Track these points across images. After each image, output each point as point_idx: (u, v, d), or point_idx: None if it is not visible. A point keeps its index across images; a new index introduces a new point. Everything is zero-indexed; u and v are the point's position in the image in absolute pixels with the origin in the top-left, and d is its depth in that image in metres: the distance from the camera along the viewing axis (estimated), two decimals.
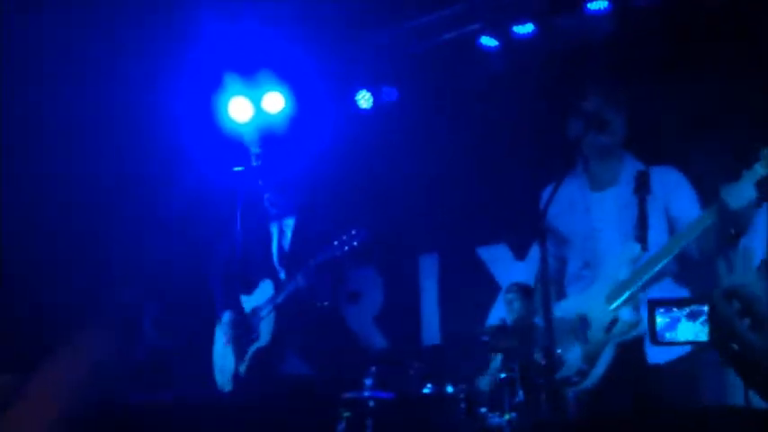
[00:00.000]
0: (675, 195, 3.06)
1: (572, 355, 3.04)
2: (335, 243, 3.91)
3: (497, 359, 4.79)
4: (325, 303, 4.18)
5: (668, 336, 2.74)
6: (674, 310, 2.71)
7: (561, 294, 3.23)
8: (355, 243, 3.88)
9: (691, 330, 2.71)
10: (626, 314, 2.97)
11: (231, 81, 5.14)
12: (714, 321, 1.59)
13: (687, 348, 2.90)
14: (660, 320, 2.70)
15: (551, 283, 3.14)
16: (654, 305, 2.69)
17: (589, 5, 4.54)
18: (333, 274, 4.18)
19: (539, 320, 4.76)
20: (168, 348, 4.98)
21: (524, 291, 4.92)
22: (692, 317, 2.71)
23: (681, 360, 2.93)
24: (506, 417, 4.13)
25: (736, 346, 1.46)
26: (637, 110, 3.16)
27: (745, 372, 1.47)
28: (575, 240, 3.18)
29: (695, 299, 2.67)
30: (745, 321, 1.47)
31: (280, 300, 4.11)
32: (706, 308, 2.68)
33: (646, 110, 3.26)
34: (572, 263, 3.21)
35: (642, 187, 3.03)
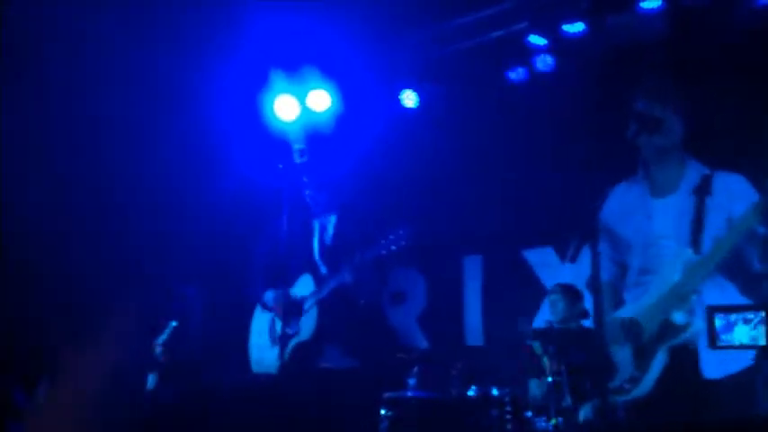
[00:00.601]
0: (740, 204, 2.94)
1: (624, 360, 2.98)
2: (383, 241, 3.88)
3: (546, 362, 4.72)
4: (369, 301, 4.16)
5: (725, 338, 2.71)
6: (732, 314, 2.68)
7: (619, 301, 3.16)
8: (403, 243, 3.85)
9: (746, 334, 2.67)
10: (677, 317, 2.91)
11: (277, 79, 5.15)
12: None
13: (744, 363, 2.83)
14: (718, 324, 2.68)
15: (606, 288, 3.09)
16: (712, 311, 2.68)
17: (642, 4, 4.44)
18: (377, 273, 4.16)
19: (587, 323, 4.72)
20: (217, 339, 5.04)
21: (569, 291, 4.84)
22: (748, 321, 2.66)
23: (738, 375, 2.85)
24: (553, 422, 4.06)
25: None
26: (696, 111, 3.07)
27: None
28: (635, 247, 3.12)
29: (752, 306, 2.61)
30: None
31: (323, 294, 4.10)
32: (762, 314, 2.63)
33: (704, 111, 3.16)
34: (632, 269, 3.15)
35: (702, 190, 2.96)
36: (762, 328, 2.65)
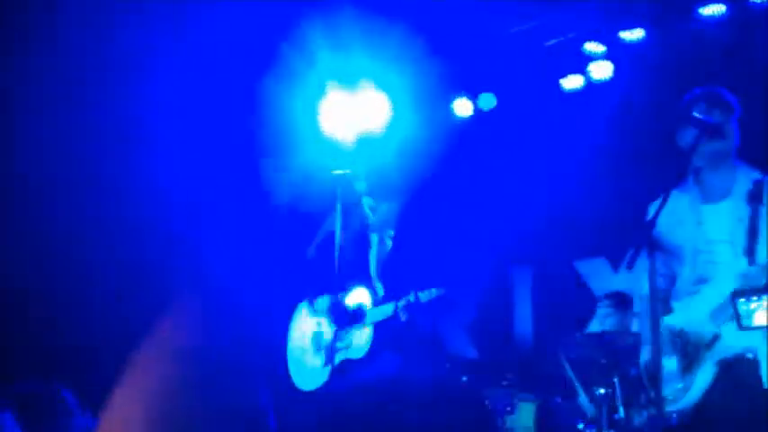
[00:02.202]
0: None
1: (671, 370, 2.95)
2: (435, 287, 3.97)
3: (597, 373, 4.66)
4: (422, 331, 4.23)
5: (746, 322, 2.71)
6: (754, 298, 2.70)
7: (668, 310, 3.13)
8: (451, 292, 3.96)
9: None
10: (729, 331, 2.85)
11: (333, 88, 5.24)
12: None
13: None
14: (742, 309, 2.69)
15: (658, 298, 3.06)
16: (735, 295, 2.68)
17: (702, 10, 4.40)
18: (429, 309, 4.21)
19: (639, 333, 4.65)
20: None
21: (619, 301, 4.79)
22: None
23: None
24: None
25: None
26: (749, 118, 3.05)
27: None
28: (686, 255, 3.09)
29: None
30: None
31: (378, 319, 4.16)
32: None
33: (758, 118, 3.13)
34: (683, 278, 3.12)
35: (755, 196, 2.92)
36: None
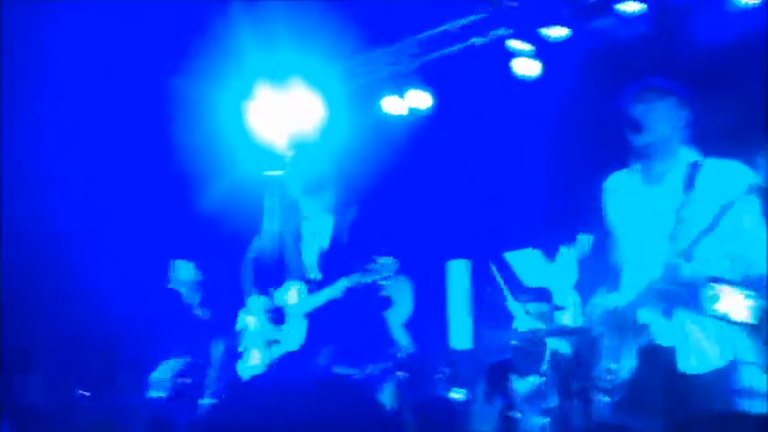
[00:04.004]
0: (724, 191, 2.91)
1: (606, 352, 3.02)
2: (371, 270, 3.96)
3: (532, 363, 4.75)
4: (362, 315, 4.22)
5: (711, 310, 2.77)
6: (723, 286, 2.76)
7: (610, 293, 3.19)
8: (392, 274, 3.96)
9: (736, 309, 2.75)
10: (650, 317, 2.94)
11: (263, 88, 5.19)
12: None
13: (724, 361, 2.86)
14: (707, 294, 2.75)
15: (604, 280, 3.14)
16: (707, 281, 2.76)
17: (618, 6, 4.51)
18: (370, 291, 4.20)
19: (567, 320, 4.77)
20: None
21: (540, 295, 4.90)
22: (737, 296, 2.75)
23: (717, 372, 2.87)
24: (540, 421, 4.10)
25: None
26: (681, 108, 3.11)
27: None
28: (623, 238, 3.15)
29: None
30: None
31: (313, 307, 4.14)
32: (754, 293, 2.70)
33: (702, 106, 3.19)
34: (620, 261, 3.17)
35: (688, 183, 2.99)
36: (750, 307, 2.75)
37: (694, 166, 3.00)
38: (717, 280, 2.84)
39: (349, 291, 4.04)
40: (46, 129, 4.66)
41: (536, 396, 4.21)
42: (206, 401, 4.72)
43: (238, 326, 4.41)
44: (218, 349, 5.06)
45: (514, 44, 5.10)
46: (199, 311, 5.23)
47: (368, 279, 3.99)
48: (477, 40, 5.27)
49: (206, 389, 4.93)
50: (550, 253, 5.39)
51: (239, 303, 4.46)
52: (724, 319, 2.83)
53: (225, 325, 4.69)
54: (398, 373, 4.47)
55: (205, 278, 5.25)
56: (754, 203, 2.90)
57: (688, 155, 3.07)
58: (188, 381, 4.92)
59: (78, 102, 4.64)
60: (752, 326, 2.85)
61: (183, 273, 5.19)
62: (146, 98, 4.77)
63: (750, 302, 2.85)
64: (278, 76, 5.27)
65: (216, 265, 5.10)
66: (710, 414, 2.72)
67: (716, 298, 2.86)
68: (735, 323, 2.85)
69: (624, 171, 3.18)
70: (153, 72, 4.81)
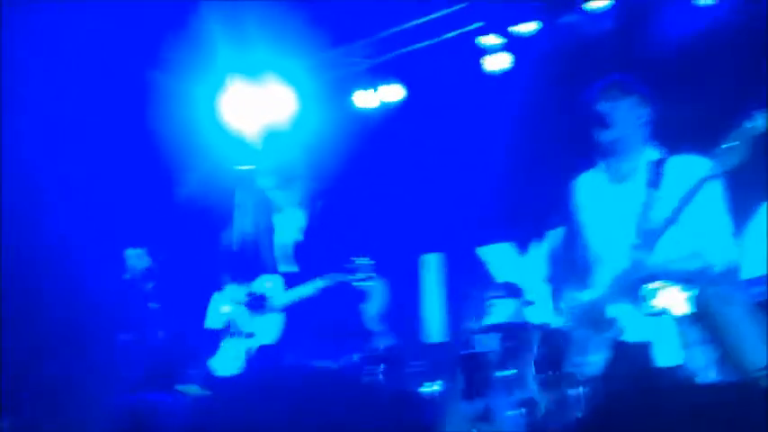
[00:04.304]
0: (686, 185, 2.97)
1: (579, 346, 3.06)
2: (347, 271, 3.94)
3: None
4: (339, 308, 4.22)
5: (647, 307, 2.85)
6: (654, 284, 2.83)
7: (582, 288, 3.23)
8: (371, 276, 3.95)
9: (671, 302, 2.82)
10: (611, 311, 2.99)
11: (236, 81, 5.15)
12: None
13: (695, 355, 2.91)
14: (644, 293, 2.83)
15: (569, 277, 3.18)
16: (639, 280, 2.82)
17: (585, 5, 4.57)
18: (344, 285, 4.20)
19: (535, 314, 4.82)
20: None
21: (507, 290, 4.94)
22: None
23: (684, 366, 2.93)
24: (513, 413, 4.14)
25: None
26: (646, 103, 3.16)
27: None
28: (593, 234, 3.19)
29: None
30: None
31: (287, 303, 4.13)
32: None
33: (659, 103, 3.24)
34: (591, 257, 3.22)
35: (652, 180, 3.04)
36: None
37: (657, 164, 3.05)
38: (652, 277, 2.92)
39: (324, 289, 4.04)
40: (25, 122, 4.58)
41: (510, 388, 4.26)
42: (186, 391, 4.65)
43: (212, 319, 4.38)
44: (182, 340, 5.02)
45: (485, 39, 5.12)
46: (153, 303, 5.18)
47: (343, 279, 3.99)
48: (448, 35, 5.29)
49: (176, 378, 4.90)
50: (522, 247, 5.44)
51: (206, 295, 4.43)
52: (663, 314, 2.90)
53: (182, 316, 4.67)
54: (376, 366, 4.49)
55: (166, 268, 5.20)
56: (713, 193, 2.96)
57: (650, 153, 3.13)
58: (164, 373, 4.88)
59: (52, 95, 4.58)
60: (694, 316, 2.92)
61: (137, 261, 5.14)
62: (120, 91, 4.72)
63: (685, 294, 2.92)
64: (250, 70, 5.24)
65: (182, 256, 5.07)
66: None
67: (653, 294, 2.93)
68: (676, 317, 2.92)
69: (591, 171, 3.24)
70: (127, 66, 4.76)
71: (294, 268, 4.25)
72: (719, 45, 4.50)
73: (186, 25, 4.88)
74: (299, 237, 4.29)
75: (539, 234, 5.18)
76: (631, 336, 2.98)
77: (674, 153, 3.12)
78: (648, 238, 2.96)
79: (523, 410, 4.11)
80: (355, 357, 4.41)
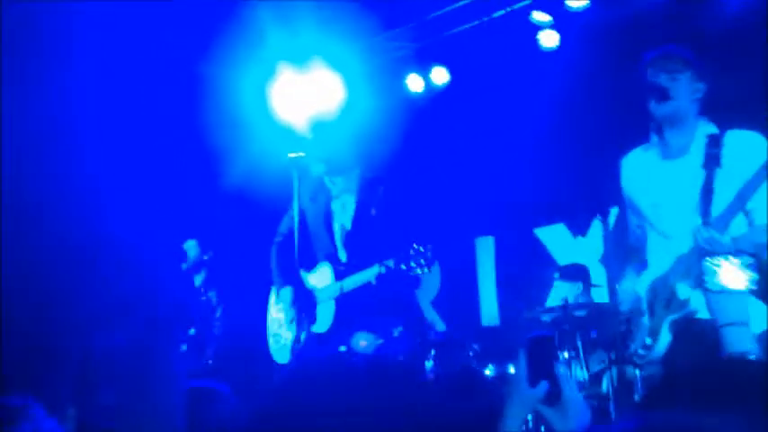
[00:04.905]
0: (749, 163, 2.89)
1: (642, 327, 3.00)
2: (406, 258, 3.91)
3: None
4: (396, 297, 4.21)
5: (715, 284, 2.75)
6: (720, 259, 2.74)
7: (643, 266, 3.17)
8: (429, 265, 3.91)
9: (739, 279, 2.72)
10: (681, 291, 2.91)
11: (284, 70, 5.16)
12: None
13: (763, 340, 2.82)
14: (708, 269, 2.73)
15: (632, 255, 3.12)
16: (701, 255, 2.73)
17: None
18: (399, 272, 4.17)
19: (600, 295, 4.74)
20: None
21: (572, 272, 4.87)
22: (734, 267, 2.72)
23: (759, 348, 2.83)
24: (576, 396, 4.08)
25: None
26: (703, 77, 3.07)
27: None
28: (649, 212, 3.13)
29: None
30: None
31: (343, 291, 4.14)
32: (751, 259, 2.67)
33: (716, 77, 3.14)
34: (650, 235, 3.15)
35: (711, 155, 2.95)
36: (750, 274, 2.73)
37: (714, 139, 2.96)
38: (711, 254, 2.82)
39: (380, 276, 4.03)
40: (81, 115, 4.69)
41: (573, 370, 4.20)
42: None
43: (270, 313, 4.43)
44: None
45: (537, 16, 5.02)
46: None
47: (402, 267, 3.96)
48: (497, 13, 5.20)
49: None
50: (576, 228, 5.35)
51: (263, 285, 4.47)
52: (724, 291, 2.81)
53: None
54: (431, 352, 4.49)
55: (218, 259, 5.26)
56: None
57: (706, 127, 3.04)
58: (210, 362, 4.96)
59: (107, 90, 4.67)
60: (753, 292, 2.83)
61: (194, 252, 5.22)
62: (172, 84, 4.79)
63: (746, 272, 2.82)
64: (299, 58, 5.25)
65: (237, 247, 5.13)
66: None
67: (713, 272, 2.83)
68: (737, 293, 2.82)
69: (640, 148, 3.16)
70: (178, 58, 4.82)
71: (352, 255, 4.26)
72: None
73: (235, 15, 4.91)
74: (353, 224, 4.29)
75: (592, 214, 5.10)
76: (703, 315, 2.90)
77: (730, 128, 3.03)
78: (720, 216, 2.87)
79: (587, 393, 4.05)
80: (413, 343, 4.42)
